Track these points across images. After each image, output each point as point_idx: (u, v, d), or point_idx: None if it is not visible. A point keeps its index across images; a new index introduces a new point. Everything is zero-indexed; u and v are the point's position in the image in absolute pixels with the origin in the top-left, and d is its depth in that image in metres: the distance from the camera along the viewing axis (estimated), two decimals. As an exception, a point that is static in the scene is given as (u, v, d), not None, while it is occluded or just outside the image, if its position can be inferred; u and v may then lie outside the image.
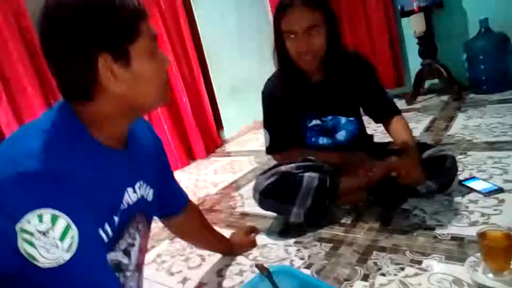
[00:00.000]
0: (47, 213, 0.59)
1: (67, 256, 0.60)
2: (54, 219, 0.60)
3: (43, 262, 0.59)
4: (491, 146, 1.80)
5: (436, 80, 2.99)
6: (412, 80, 3.04)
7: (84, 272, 0.63)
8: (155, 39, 0.73)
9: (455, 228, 1.22)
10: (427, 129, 2.30)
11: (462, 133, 2.08)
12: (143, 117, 0.98)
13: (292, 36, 1.35)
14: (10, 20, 1.95)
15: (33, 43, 2.03)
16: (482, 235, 0.96)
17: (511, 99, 2.46)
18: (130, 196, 0.83)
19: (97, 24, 0.65)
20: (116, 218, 0.77)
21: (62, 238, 0.60)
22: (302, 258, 1.26)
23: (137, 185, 0.85)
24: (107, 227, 0.74)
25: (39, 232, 0.59)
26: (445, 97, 2.87)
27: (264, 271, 0.91)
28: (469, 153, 1.78)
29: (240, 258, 1.34)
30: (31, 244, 0.59)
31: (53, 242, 0.60)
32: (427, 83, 3.06)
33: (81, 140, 0.71)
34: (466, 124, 2.20)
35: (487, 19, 2.63)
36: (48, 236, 0.59)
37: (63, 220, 0.60)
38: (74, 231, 0.61)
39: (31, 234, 0.59)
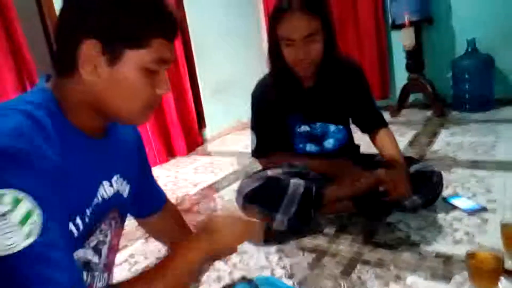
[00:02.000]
0: (9, 194, 0.53)
1: (24, 243, 0.54)
2: (16, 201, 0.54)
3: None
4: (475, 164, 1.82)
5: (420, 95, 3.02)
6: (397, 93, 3.07)
7: (37, 264, 0.55)
8: (164, 64, 0.68)
9: (440, 246, 1.20)
10: (411, 143, 2.31)
11: (446, 149, 2.09)
12: None
13: (290, 43, 1.30)
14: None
15: (12, 23, 1.92)
16: (471, 255, 0.94)
17: (492, 120, 2.50)
18: (106, 190, 0.77)
19: (111, 10, 0.62)
20: (88, 212, 0.71)
21: (22, 222, 0.54)
22: (283, 267, 1.21)
23: (113, 179, 0.79)
24: (78, 220, 0.68)
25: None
26: (428, 113, 2.90)
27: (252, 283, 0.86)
28: (452, 170, 1.79)
29: (218, 264, 1.28)
30: None
31: (12, 226, 0.53)
32: (411, 97, 3.09)
33: (58, 124, 0.65)
34: (449, 141, 2.22)
35: (475, 39, 2.68)
36: (6, 219, 0.53)
37: (27, 203, 0.54)
38: (37, 217, 0.55)
39: None
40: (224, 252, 0.80)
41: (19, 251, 0.53)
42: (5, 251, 0.53)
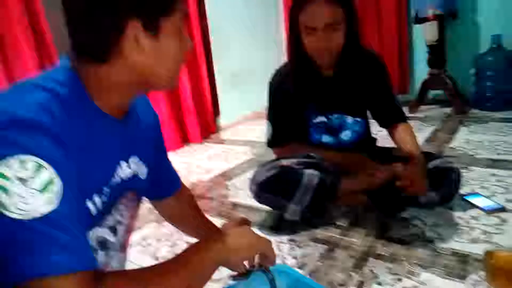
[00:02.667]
0: (31, 161, 0.53)
1: (42, 210, 0.53)
2: (38, 168, 0.54)
3: (13, 211, 0.52)
4: (494, 163, 1.77)
5: (440, 91, 2.96)
6: (417, 88, 3.01)
7: (52, 229, 0.55)
8: (185, 18, 0.70)
9: (456, 244, 1.18)
10: (429, 139, 2.27)
11: (465, 147, 2.05)
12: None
13: (312, 32, 1.28)
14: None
15: (34, 4, 1.93)
16: (489, 254, 0.92)
17: (514, 119, 2.44)
18: (124, 171, 0.77)
19: None
20: (106, 191, 0.71)
21: (43, 190, 0.54)
22: (295, 257, 1.21)
23: (131, 160, 0.79)
24: (95, 198, 0.69)
25: (18, 178, 0.52)
26: (448, 110, 2.84)
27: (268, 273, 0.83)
28: (471, 168, 1.75)
29: (229, 250, 1.28)
30: (4, 190, 0.53)
31: (32, 193, 0.53)
32: (431, 93, 3.03)
33: (81, 103, 0.66)
34: (469, 139, 2.17)
35: (500, 36, 2.60)
36: (27, 185, 0.53)
37: (48, 172, 0.54)
38: (57, 187, 0.55)
39: (8, 179, 0.52)
40: (230, 263, 0.73)
41: (34, 218, 0.53)
42: (25, 215, 0.53)
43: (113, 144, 0.72)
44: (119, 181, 0.74)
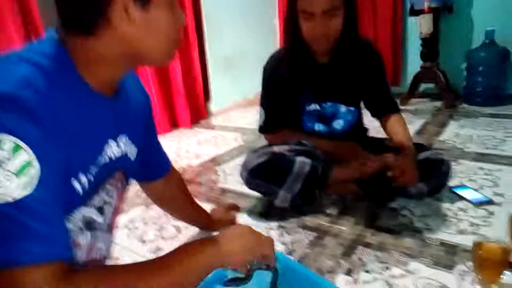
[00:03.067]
0: (9, 141, 0.50)
1: (18, 195, 0.51)
2: (15, 149, 0.51)
3: None
4: (483, 157, 1.79)
5: (432, 85, 2.97)
6: (408, 81, 3.01)
7: (25, 216, 0.52)
8: None
9: (444, 234, 1.19)
10: (419, 132, 2.28)
11: (454, 140, 2.06)
12: (134, 72, 0.90)
13: (309, 17, 1.25)
14: None
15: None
16: (478, 245, 0.93)
17: (503, 114, 2.46)
18: (113, 150, 0.74)
19: None
20: (93, 170, 0.68)
21: (19, 173, 0.51)
22: (284, 243, 1.20)
23: (121, 140, 0.77)
24: (82, 177, 0.66)
25: None
26: (438, 103, 2.86)
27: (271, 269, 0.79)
28: (460, 161, 1.76)
29: (218, 235, 1.27)
30: None
31: (8, 175, 0.50)
32: (422, 87, 3.04)
33: (68, 77, 0.63)
34: (458, 133, 2.19)
35: (494, 31, 2.61)
36: (2, 167, 0.50)
37: (26, 154, 0.51)
38: (35, 170, 0.52)
39: None
40: (228, 265, 0.71)
41: (6, 202, 0.50)
42: None
43: (101, 122, 0.69)
44: (107, 160, 0.72)
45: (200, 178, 1.82)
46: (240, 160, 1.48)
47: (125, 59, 0.67)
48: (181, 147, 2.34)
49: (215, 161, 2.05)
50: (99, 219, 0.76)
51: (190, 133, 2.65)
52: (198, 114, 2.94)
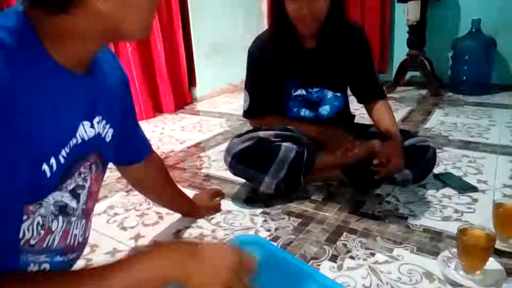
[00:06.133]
0: None
1: None
2: None
3: None
4: (467, 145, 1.80)
5: (417, 73, 2.97)
6: (395, 68, 3.01)
7: None
8: None
9: (428, 221, 1.18)
10: (404, 119, 2.28)
11: (439, 128, 2.07)
12: (111, 50, 0.85)
13: None
14: None
15: None
16: (462, 231, 0.92)
17: (487, 103, 2.48)
18: (86, 131, 0.70)
19: None
20: (64, 152, 0.64)
21: None
22: (268, 230, 1.18)
23: (95, 120, 0.73)
24: (52, 160, 0.62)
25: None
26: (423, 91, 2.87)
27: None
28: (445, 148, 1.77)
29: (201, 221, 1.24)
30: None
31: None
32: (408, 75, 3.04)
33: (33, 53, 0.58)
34: (443, 121, 2.19)
35: (480, 20, 2.61)
36: None
37: None
38: None
39: None
40: (192, 285, 0.59)
41: None
42: None
43: (72, 101, 0.65)
44: (80, 141, 0.68)
45: (184, 164, 1.78)
46: (224, 146, 1.44)
47: (100, 35, 0.63)
48: (165, 133, 2.29)
49: (199, 147, 2.01)
50: (73, 203, 0.72)
51: (174, 119, 2.60)
52: (183, 99, 2.89)
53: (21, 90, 0.52)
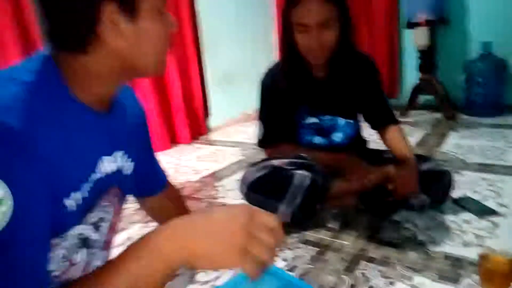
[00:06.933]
0: None
1: None
2: None
3: None
4: (485, 168, 1.77)
5: (430, 96, 2.97)
6: (406, 93, 3.02)
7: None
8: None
9: (448, 247, 1.16)
10: (420, 143, 2.27)
11: (455, 151, 2.05)
12: (129, 85, 0.89)
13: (304, 29, 1.25)
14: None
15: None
16: (484, 257, 0.90)
17: (504, 124, 2.45)
18: (107, 166, 0.72)
19: None
20: (86, 187, 0.66)
21: None
22: (285, 260, 1.17)
23: (117, 155, 0.75)
24: (74, 195, 0.64)
25: None
26: (438, 115, 2.85)
27: None
28: (462, 172, 1.74)
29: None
30: None
31: None
32: (421, 99, 3.04)
33: (57, 93, 0.61)
34: (459, 143, 2.17)
35: (491, 43, 2.62)
36: None
37: (1, 189, 0.49)
38: (6, 207, 0.50)
39: None
40: (201, 262, 0.52)
41: None
42: None
43: (94, 139, 0.67)
44: (102, 176, 0.70)
45: (200, 194, 1.80)
46: (239, 175, 1.46)
47: (118, 73, 0.66)
48: (180, 163, 2.32)
49: (215, 177, 2.03)
50: (95, 236, 0.74)
51: (189, 149, 2.64)
52: (198, 130, 2.94)
53: (44, 129, 0.55)
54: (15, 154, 0.51)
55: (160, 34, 0.65)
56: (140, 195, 1.06)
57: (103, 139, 0.71)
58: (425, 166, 1.37)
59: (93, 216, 0.72)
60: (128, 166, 0.80)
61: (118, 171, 0.76)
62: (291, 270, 1.11)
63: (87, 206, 0.68)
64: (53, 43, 0.62)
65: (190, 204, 1.62)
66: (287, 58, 1.40)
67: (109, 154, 0.73)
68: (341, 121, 1.48)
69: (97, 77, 0.64)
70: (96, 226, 0.74)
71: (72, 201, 0.63)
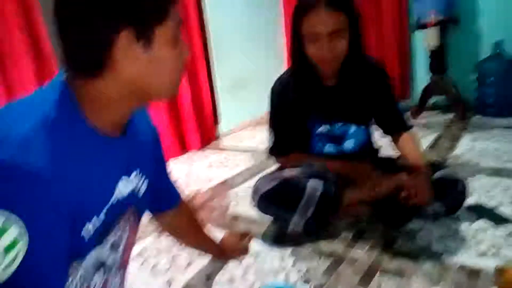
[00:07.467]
0: (1, 216, 0.49)
1: (5, 273, 0.49)
2: (6, 225, 0.49)
3: None
4: (499, 172, 1.75)
5: (442, 97, 2.94)
6: (417, 94, 2.99)
7: None
8: (180, 26, 0.66)
9: (464, 257, 1.15)
10: (432, 146, 2.24)
11: (468, 154, 2.02)
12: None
13: (315, 39, 1.25)
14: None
15: (33, 13, 1.90)
16: (501, 270, 0.89)
17: (518, 125, 2.42)
18: (124, 187, 0.74)
19: None
20: (105, 211, 0.68)
21: (7, 250, 0.50)
22: (299, 271, 1.17)
23: (133, 175, 0.76)
24: (95, 221, 0.65)
25: None
26: (450, 115, 2.82)
27: None
28: (476, 176, 1.72)
29: (231, 265, 1.25)
30: None
31: None
32: (432, 99, 3.01)
33: (77, 129, 0.62)
34: (472, 146, 2.14)
35: (502, 42, 2.59)
36: None
37: (17, 229, 0.50)
38: (23, 245, 0.51)
39: None
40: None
41: None
42: None
43: (110, 164, 0.68)
44: (119, 199, 0.71)
45: (212, 203, 1.80)
46: (251, 183, 1.46)
47: (132, 98, 0.67)
48: (192, 171, 2.33)
49: (227, 184, 2.04)
50: (112, 256, 0.75)
51: (200, 156, 2.65)
52: (208, 136, 2.95)
53: (62, 162, 0.56)
54: (36, 188, 0.52)
55: (174, 62, 0.65)
56: (154, 211, 1.08)
57: (119, 163, 0.72)
58: (438, 174, 1.36)
59: (111, 238, 0.73)
60: (143, 184, 0.82)
61: (134, 192, 0.77)
62: (306, 282, 1.11)
63: (105, 229, 0.69)
64: (69, 66, 0.63)
65: (202, 214, 1.63)
66: (297, 67, 1.40)
67: (125, 175, 0.74)
68: (353, 128, 1.47)
69: (112, 103, 0.65)
70: (113, 248, 0.75)
71: (90, 227, 0.64)
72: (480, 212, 1.38)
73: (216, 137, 3.05)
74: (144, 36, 0.60)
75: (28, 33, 1.89)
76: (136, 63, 0.61)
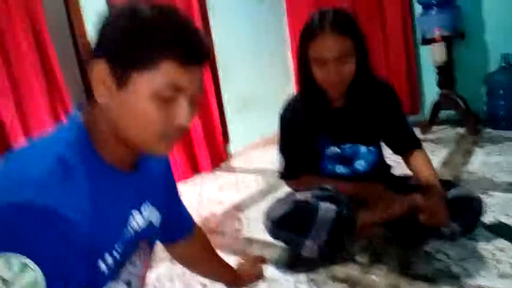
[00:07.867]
0: (17, 260, 0.50)
1: None
2: (23, 268, 0.50)
3: None
4: (515, 187, 1.72)
5: (452, 111, 2.92)
6: (427, 109, 2.98)
7: None
8: (181, 91, 0.61)
9: (483, 279, 1.12)
10: (444, 163, 2.22)
11: (482, 170, 1.99)
12: None
13: (322, 64, 1.26)
14: (25, 20, 1.88)
15: (46, 44, 1.96)
16: (524, 296, 0.87)
17: (531, 137, 2.38)
18: (136, 221, 0.74)
19: (118, 31, 0.60)
20: (118, 246, 0.68)
21: None
22: (314, 298, 1.16)
23: (144, 209, 0.76)
24: (108, 256, 0.65)
25: (2, 279, 0.49)
26: (460, 130, 2.79)
27: None
28: (491, 193, 1.69)
29: (246, 292, 1.23)
30: None
31: None
32: (443, 114, 2.99)
33: (89, 163, 0.63)
34: (486, 161, 2.12)
35: (510, 54, 2.58)
36: (8, 287, 0.49)
37: (33, 273, 0.51)
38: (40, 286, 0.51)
39: None
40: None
41: None
42: None
43: (123, 198, 0.69)
44: (132, 233, 0.72)
45: (224, 227, 1.80)
46: (263, 205, 1.46)
47: (119, 140, 0.65)
48: (203, 194, 2.34)
49: (238, 208, 2.03)
50: (127, 288, 0.75)
51: (211, 178, 2.66)
52: (218, 157, 2.95)
53: (77, 200, 0.57)
54: (50, 227, 0.53)
55: (150, 117, 0.61)
56: (166, 241, 1.07)
57: (131, 197, 0.73)
58: (452, 193, 1.34)
59: (124, 272, 0.73)
60: (155, 216, 0.82)
61: (149, 225, 0.78)
62: (321, 310, 1.09)
63: (120, 263, 0.70)
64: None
65: (214, 239, 1.62)
66: (305, 91, 1.41)
67: (138, 208, 0.75)
68: (363, 148, 1.47)
69: (110, 139, 0.65)
70: (126, 282, 0.75)
71: (105, 261, 0.65)
72: (498, 230, 1.35)
73: (227, 157, 3.06)
74: (117, 73, 0.59)
75: (42, 68, 1.94)
76: (109, 96, 0.61)
